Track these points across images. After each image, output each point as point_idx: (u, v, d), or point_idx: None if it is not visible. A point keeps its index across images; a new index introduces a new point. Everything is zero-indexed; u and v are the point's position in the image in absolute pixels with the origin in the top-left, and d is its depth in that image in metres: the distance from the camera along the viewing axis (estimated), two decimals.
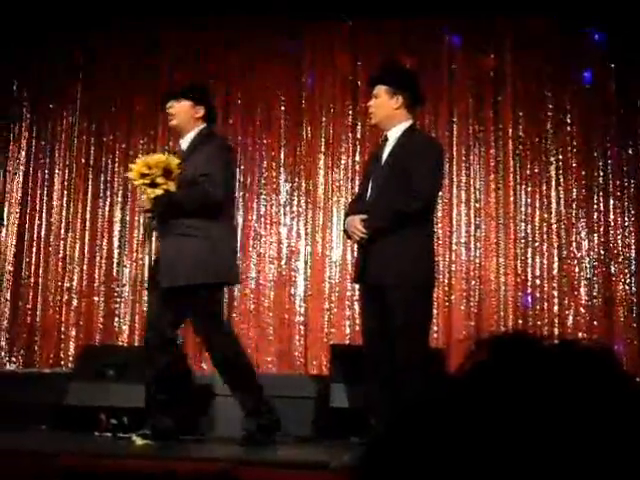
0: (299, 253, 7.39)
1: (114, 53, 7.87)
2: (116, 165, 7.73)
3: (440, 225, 6.90)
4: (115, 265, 7.63)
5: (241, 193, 7.41)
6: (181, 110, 4.90)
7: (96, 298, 7.56)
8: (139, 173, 4.58)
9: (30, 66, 7.83)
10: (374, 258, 4.57)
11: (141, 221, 7.44)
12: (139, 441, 4.51)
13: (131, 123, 7.82)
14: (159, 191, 4.58)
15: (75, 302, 7.54)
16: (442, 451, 0.87)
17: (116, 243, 7.65)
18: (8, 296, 7.56)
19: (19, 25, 7.44)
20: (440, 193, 5.62)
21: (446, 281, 7.03)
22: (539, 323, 6.97)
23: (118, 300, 7.56)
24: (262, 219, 7.48)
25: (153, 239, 4.89)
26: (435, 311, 5.44)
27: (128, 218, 7.66)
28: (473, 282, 7.09)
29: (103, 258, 7.60)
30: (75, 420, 5.30)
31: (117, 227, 7.67)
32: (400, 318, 4.42)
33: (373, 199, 4.65)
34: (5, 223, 7.22)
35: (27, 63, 7.83)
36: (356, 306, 7.18)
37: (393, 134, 4.69)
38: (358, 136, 7.43)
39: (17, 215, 7.68)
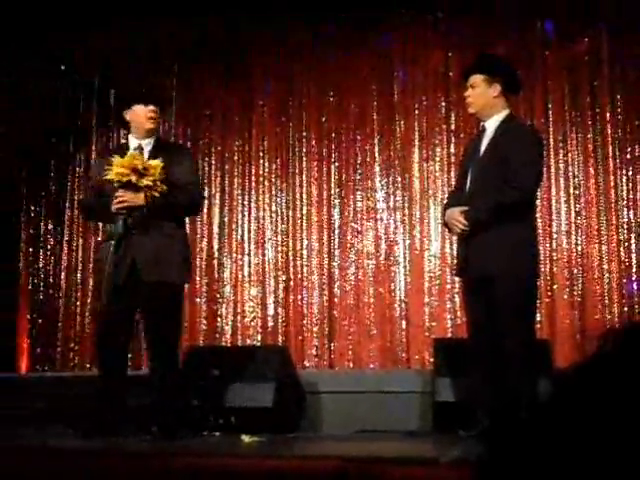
0: (397, 248, 7.37)
1: (208, 56, 7.97)
2: (212, 168, 7.84)
3: (540, 214, 6.79)
4: (216, 266, 7.73)
5: (337, 190, 7.43)
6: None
7: (198, 299, 7.67)
8: (133, 169, 4.63)
9: (124, 70, 7.98)
10: (476, 250, 4.51)
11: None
12: (247, 439, 4.55)
13: (225, 126, 7.91)
14: (156, 193, 4.66)
15: None
16: (575, 445, 0.86)
17: (216, 245, 7.75)
18: None
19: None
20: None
21: (548, 270, 6.92)
22: None
23: (220, 301, 7.66)
24: (359, 215, 7.49)
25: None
26: (538, 301, 5.33)
27: (226, 219, 7.75)
28: (575, 271, 6.96)
29: (203, 260, 7.70)
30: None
31: (216, 228, 7.77)
32: (507, 310, 4.37)
33: (473, 191, 4.57)
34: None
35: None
36: (457, 299, 7.13)
37: (491, 124, 4.62)
38: (452, 128, 7.37)
39: None
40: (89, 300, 7.95)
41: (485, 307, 4.47)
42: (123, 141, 5.55)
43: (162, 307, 4.79)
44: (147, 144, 4.94)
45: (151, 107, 4.92)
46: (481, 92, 4.60)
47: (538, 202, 6.64)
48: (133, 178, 4.63)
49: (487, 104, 4.61)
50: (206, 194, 7.71)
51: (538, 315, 6.49)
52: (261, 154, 7.76)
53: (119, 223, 4.70)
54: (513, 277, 4.38)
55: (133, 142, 4.97)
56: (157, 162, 4.70)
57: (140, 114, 4.92)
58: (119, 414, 4.80)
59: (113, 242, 4.66)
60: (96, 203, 4.92)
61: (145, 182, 4.63)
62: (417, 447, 4.35)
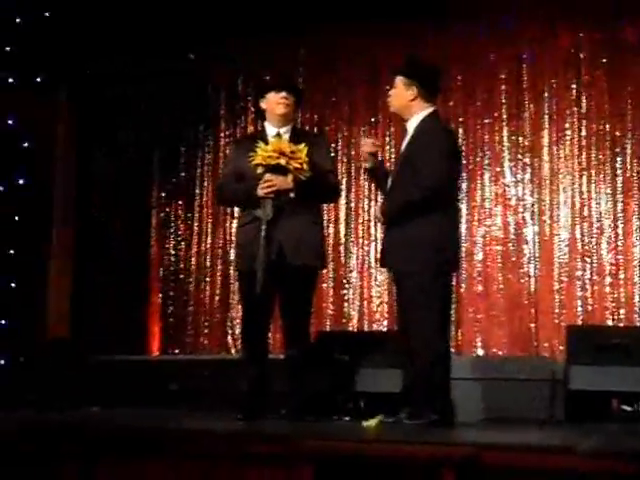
0: (526, 233, 7.24)
1: (330, 45, 7.99)
2: (339, 154, 7.85)
3: None
4: (342, 251, 7.76)
5: (464, 175, 7.34)
6: None
7: (325, 285, 7.71)
8: (280, 152, 4.72)
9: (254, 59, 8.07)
10: (386, 246, 4.77)
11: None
12: (373, 423, 4.56)
13: (352, 111, 7.91)
14: (303, 177, 4.76)
15: None
16: None
17: (342, 231, 7.78)
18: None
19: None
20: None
21: None
22: None
23: (347, 286, 7.70)
24: (487, 200, 7.39)
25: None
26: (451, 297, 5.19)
27: (353, 205, 7.76)
28: None
29: (330, 246, 7.73)
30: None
31: (342, 214, 7.79)
32: (408, 305, 4.58)
33: (390, 188, 4.79)
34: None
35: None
36: (587, 286, 6.99)
37: (412, 124, 4.75)
38: (583, 110, 7.19)
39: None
40: (218, 285, 8.09)
41: (400, 299, 4.73)
42: (259, 129, 5.61)
43: (302, 291, 4.90)
44: (285, 131, 5.02)
45: (283, 93, 4.99)
46: (399, 93, 4.78)
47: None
48: (282, 161, 4.72)
49: (404, 105, 4.77)
50: None
51: None
52: (387, 139, 7.73)
53: (268, 207, 4.78)
54: (412, 274, 4.54)
55: (271, 130, 5.05)
56: (302, 146, 4.77)
57: (272, 100, 5.01)
58: (266, 398, 4.93)
59: (263, 226, 4.75)
60: (238, 188, 4.98)
61: (294, 164, 4.72)
62: (551, 436, 4.27)
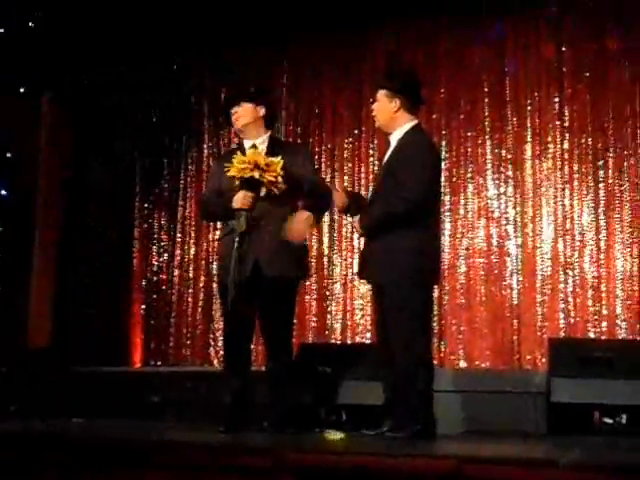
0: (509, 246, 7.26)
1: (314, 55, 8.02)
2: (323, 166, 7.86)
3: None
4: (326, 263, 7.76)
5: (447, 188, 7.35)
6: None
7: (308, 297, 7.71)
8: (255, 165, 4.68)
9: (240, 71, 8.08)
10: (366, 258, 4.78)
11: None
12: (332, 435, 4.56)
13: (335, 124, 7.93)
14: (276, 190, 4.73)
15: None
16: None
17: (326, 243, 7.78)
18: None
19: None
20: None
21: None
22: None
23: (330, 298, 7.69)
24: (470, 213, 7.41)
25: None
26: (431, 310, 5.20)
27: (337, 217, 7.77)
28: None
29: (313, 258, 7.72)
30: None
31: (326, 226, 7.79)
32: (389, 317, 4.56)
33: (371, 200, 4.83)
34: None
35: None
36: (570, 298, 7.01)
37: (395, 137, 4.76)
38: (566, 124, 7.22)
39: None
40: (201, 296, 8.08)
41: (381, 311, 4.69)
42: (237, 142, 5.62)
43: (280, 302, 4.86)
44: (261, 142, 5.00)
45: (233, 109, 5.04)
46: (382, 106, 4.79)
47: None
48: (256, 174, 4.68)
49: (388, 118, 4.78)
50: None
51: None
52: (371, 152, 7.75)
53: (242, 219, 4.76)
54: (393, 287, 4.54)
55: (247, 142, 5.05)
56: (278, 159, 4.75)
57: (232, 119, 5.07)
58: (249, 410, 4.90)
59: (236, 238, 4.73)
60: (218, 202, 4.96)
61: (268, 177, 4.69)
62: (533, 448, 4.28)
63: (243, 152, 4.87)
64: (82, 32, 7.56)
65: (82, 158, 8.30)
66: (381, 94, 4.79)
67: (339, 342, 7.52)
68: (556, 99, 7.26)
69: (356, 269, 5.75)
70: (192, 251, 8.21)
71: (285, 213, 4.82)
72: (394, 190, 4.56)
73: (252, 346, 5.20)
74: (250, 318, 4.90)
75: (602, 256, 7.00)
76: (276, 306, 4.86)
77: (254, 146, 4.96)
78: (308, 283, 7.67)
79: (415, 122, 4.78)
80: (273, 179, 4.70)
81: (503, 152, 7.37)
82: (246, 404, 4.89)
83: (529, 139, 7.29)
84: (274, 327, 4.91)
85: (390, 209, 4.58)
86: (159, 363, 8.05)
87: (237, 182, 4.76)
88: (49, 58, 7.54)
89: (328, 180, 7.68)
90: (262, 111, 5.04)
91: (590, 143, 7.13)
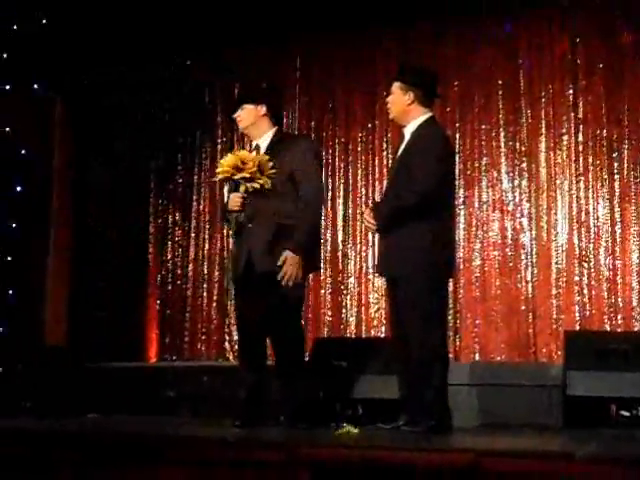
0: (524, 239, 7.24)
1: (327, 51, 8.01)
2: (337, 160, 7.86)
3: None
4: (340, 257, 7.75)
5: (461, 181, 7.34)
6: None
7: (322, 291, 7.71)
8: (234, 166, 4.72)
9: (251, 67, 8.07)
10: (382, 252, 4.84)
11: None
12: (347, 430, 4.55)
13: (348, 117, 7.92)
14: (256, 185, 4.74)
15: None
16: None
17: (340, 237, 7.78)
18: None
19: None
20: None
21: None
22: None
23: (345, 292, 7.69)
24: (484, 205, 7.39)
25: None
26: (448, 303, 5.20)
27: (350, 211, 7.76)
28: None
29: (328, 252, 7.73)
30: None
31: (340, 220, 7.79)
32: (406, 311, 4.54)
33: (385, 193, 4.91)
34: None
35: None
36: (585, 291, 6.98)
37: (409, 129, 4.77)
38: (580, 115, 7.20)
39: None
40: (215, 291, 8.09)
41: (395, 306, 4.68)
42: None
43: (278, 297, 4.80)
44: (263, 141, 5.04)
45: (235, 113, 5.08)
46: (396, 99, 4.80)
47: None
48: (236, 175, 4.76)
49: (402, 110, 4.78)
50: (329, 186, 7.77)
51: None
52: (384, 145, 7.74)
53: (232, 221, 4.89)
54: (408, 281, 4.54)
55: (254, 143, 5.11)
56: (259, 156, 4.80)
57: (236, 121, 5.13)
58: (264, 405, 4.92)
59: (231, 239, 4.85)
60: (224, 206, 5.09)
61: (240, 175, 4.73)
62: (550, 441, 4.27)
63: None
64: (82, 32, 7.55)
65: (83, 158, 8.30)
66: (395, 86, 4.79)
67: (354, 336, 7.51)
68: (570, 91, 7.23)
69: (375, 264, 5.75)
70: (207, 246, 8.21)
71: (277, 208, 4.82)
72: (406, 183, 4.56)
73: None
74: (259, 314, 4.88)
75: (617, 248, 6.97)
76: (275, 301, 4.82)
77: (257, 146, 5.03)
78: (323, 277, 7.68)
79: (429, 115, 4.77)
80: (249, 175, 4.73)
81: (517, 145, 7.35)
82: (261, 399, 4.90)
83: (543, 131, 7.27)
84: (278, 323, 4.89)
85: (401, 203, 4.58)
86: (174, 358, 8.06)
87: (225, 186, 4.90)
88: (50, 58, 7.54)
89: (341, 175, 7.71)
90: (263, 109, 5.05)
91: (605, 135, 7.10)
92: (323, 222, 7.73)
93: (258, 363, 4.95)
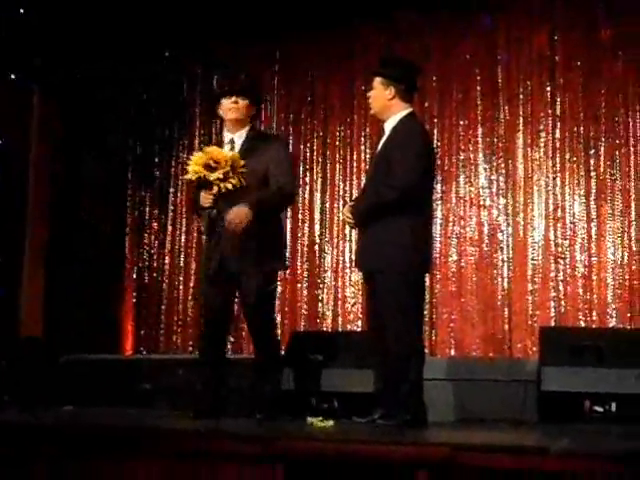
0: (500, 234, 7.27)
1: (305, 44, 8.01)
2: (315, 154, 7.86)
3: None
4: (317, 251, 7.75)
5: (439, 176, 7.35)
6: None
7: (299, 285, 7.71)
8: (206, 165, 4.70)
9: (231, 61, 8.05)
10: (360, 247, 4.81)
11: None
12: (319, 423, 4.56)
13: (327, 111, 7.91)
14: (229, 185, 4.72)
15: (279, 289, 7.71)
16: None
17: (317, 231, 7.78)
18: None
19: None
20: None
21: None
22: None
23: (321, 286, 7.69)
24: (461, 201, 7.41)
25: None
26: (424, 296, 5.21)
27: (328, 205, 7.76)
28: None
29: (305, 246, 7.73)
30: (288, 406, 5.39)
31: (317, 214, 7.79)
32: (383, 305, 4.55)
33: (364, 189, 4.91)
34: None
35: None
36: (561, 287, 7.02)
37: (389, 125, 4.76)
38: (557, 113, 7.22)
39: None
40: (192, 284, 8.07)
41: (373, 299, 4.70)
42: (217, 136, 5.66)
43: (252, 296, 4.87)
44: (239, 137, 5.03)
45: (233, 98, 5.01)
46: (378, 94, 4.79)
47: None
48: (207, 175, 4.73)
49: (383, 106, 4.78)
50: (307, 180, 7.77)
51: None
52: (363, 139, 7.74)
53: (205, 220, 4.92)
54: (386, 275, 4.54)
55: (227, 136, 5.09)
56: (231, 154, 4.78)
57: (225, 106, 5.04)
58: (223, 396, 4.97)
59: (204, 236, 4.90)
60: (195, 201, 5.04)
61: (214, 176, 4.70)
62: (525, 436, 4.28)
63: (220, 146, 4.96)
64: (73, 26, 7.51)
65: (74, 152, 8.25)
66: (377, 81, 4.78)
67: (330, 330, 7.52)
68: (548, 88, 7.26)
69: (353, 257, 5.76)
70: (183, 238, 8.20)
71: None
72: (385, 178, 4.56)
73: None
74: (224, 310, 4.96)
75: (593, 245, 7.01)
76: (249, 299, 4.89)
77: (232, 141, 5.02)
78: (299, 271, 7.69)
79: (409, 110, 4.77)
80: (221, 176, 4.71)
81: (495, 140, 7.37)
82: (218, 392, 4.95)
83: (521, 128, 7.30)
84: (253, 321, 4.98)
85: (380, 199, 4.57)
86: (150, 350, 8.04)
87: (195, 184, 4.85)
88: (40, 52, 7.49)
89: (319, 170, 7.71)
90: (253, 110, 5.10)
91: (582, 132, 7.13)
92: (300, 216, 7.76)
93: (218, 355, 5.01)
